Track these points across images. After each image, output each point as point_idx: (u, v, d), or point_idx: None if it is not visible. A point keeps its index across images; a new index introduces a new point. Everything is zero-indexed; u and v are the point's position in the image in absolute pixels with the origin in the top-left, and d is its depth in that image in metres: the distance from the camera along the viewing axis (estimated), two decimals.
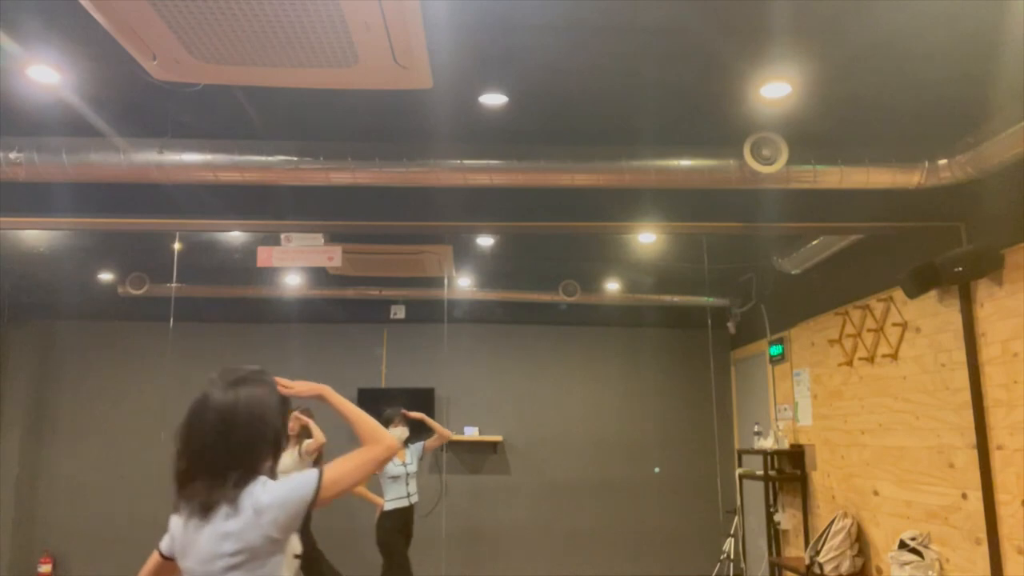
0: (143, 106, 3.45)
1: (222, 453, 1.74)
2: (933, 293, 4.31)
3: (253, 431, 1.79)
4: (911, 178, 3.77)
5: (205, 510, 1.69)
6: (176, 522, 1.78)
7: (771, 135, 3.62)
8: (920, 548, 4.26)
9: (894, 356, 4.73)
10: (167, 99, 3.31)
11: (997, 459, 3.82)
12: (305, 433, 5.85)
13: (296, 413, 5.87)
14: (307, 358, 7.68)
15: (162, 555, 1.86)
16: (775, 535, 6.25)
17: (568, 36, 2.86)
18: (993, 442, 3.85)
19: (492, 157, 3.72)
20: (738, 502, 6.95)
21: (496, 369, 7.81)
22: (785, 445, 6.12)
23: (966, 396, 4.01)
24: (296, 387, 1.96)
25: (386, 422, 5.61)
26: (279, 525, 1.70)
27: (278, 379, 1.92)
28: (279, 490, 1.74)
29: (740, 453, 7.14)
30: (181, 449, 1.77)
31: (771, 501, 6.24)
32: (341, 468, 1.83)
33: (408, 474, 5.70)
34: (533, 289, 7.00)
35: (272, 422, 1.83)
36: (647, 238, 5.52)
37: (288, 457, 5.78)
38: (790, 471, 6.11)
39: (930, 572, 4.20)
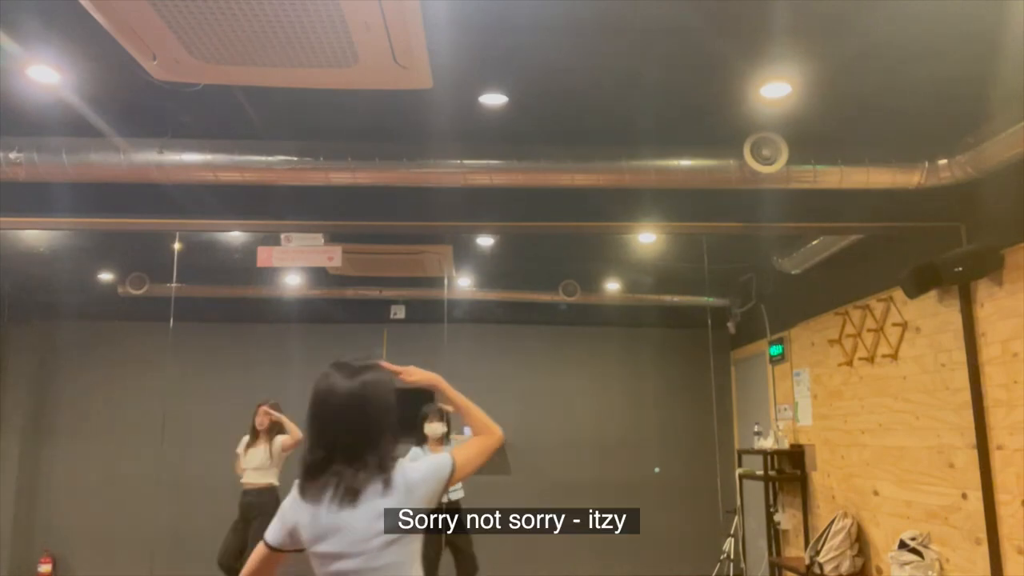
0: (143, 106, 3.45)
1: (361, 437, 1.81)
2: (933, 293, 4.31)
3: (385, 414, 1.86)
4: (911, 178, 3.77)
5: (354, 493, 1.75)
6: (303, 511, 1.80)
7: (771, 135, 3.62)
8: (920, 548, 4.26)
9: (894, 356, 4.73)
10: (167, 99, 3.30)
11: (997, 459, 3.82)
12: (276, 429, 5.83)
13: (264, 408, 5.84)
14: (307, 358, 7.66)
15: (272, 548, 1.86)
16: (775, 535, 6.25)
17: (568, 36, 2.86)
18: (993, 442, 3.85)
19: (492, 157, 3.72)
20: (738, 502, 6.95)
21: (496, 369, 7.80)
22: (785, 445, 6.12)
23: (966, 396, 4.00)
24: (415, 375, 2.04)
25: (422, 418, 5.60)
26: (427, 500, 1.81)
27: (390, 365, 1.98)
28: (424, 468, 1.85)
29: (740, 453, 7.14)
30: (315, 439, 1.83)
31: (771, 501, 6.24)
32: (467, 453, 1.94)
33: None
34: (533, 289, 6.99)
35: (395, 405, 1.90)
36: (647, 238, 5.52)
37: (262, 454, 5.75)
38: (790, 471, 6.11)
39: (930, 572, 4.20)
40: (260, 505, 5.67)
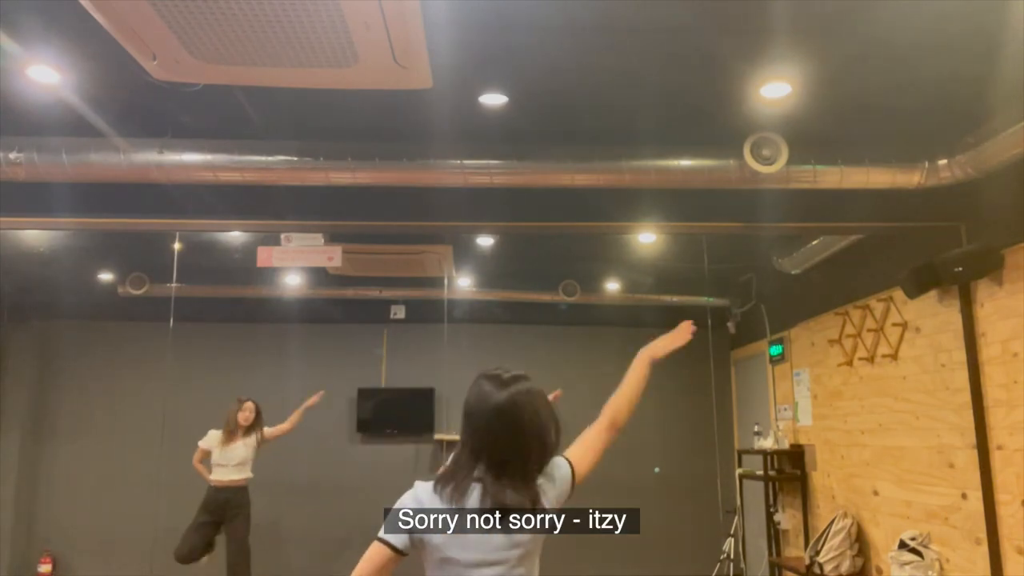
0: (143, 106, 3.45)
1: (516, 451, 1.77)
2: (933, 293, 4.30)
3: (540, 427, 1.82)
4: (911, 178, 3.77)
5: (503, 507, 1.73)
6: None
7: (771, 135, 3.62)
8: (920, 548, 4.26)
9: (894, 356, 4.73)
10: (167, 99, 3.30)
11: (997, 459, 3.82)
12: (257, 423, 5.78)
13: (249, 403, 5.81)
14: (307, 358, 7.68)
15: (401, 552, 1.74)
16: (775, 535, 6.25)
17: (568, 36, 2.86)
18: (993, 442, 3.85)
19: (492, 157, 3.72)
20: (738, 502, 6.95)
21: None
22: (785, 445, 6.12)
23: (966, 396, 4.00)
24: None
25: None
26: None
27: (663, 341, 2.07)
28: (558, 483, 1.84)
29: (740, 453, 7.14)
30: (470, 447, 1.79)
31: (771, 501, 6.24)
32: (579, 451, 1.93)
33: None
34: (533, 289, 6.99)
35: (551, 417, 1.87)
36: (647, 238, 5.52)
37: (243, 450, 5.70)
38: (790, 471, 6.11)
39: (930, 572, 4.20)
40: (239, 502, 5.62)
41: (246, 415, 5.76)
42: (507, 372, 1.86)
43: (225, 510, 5.62)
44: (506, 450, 1.77)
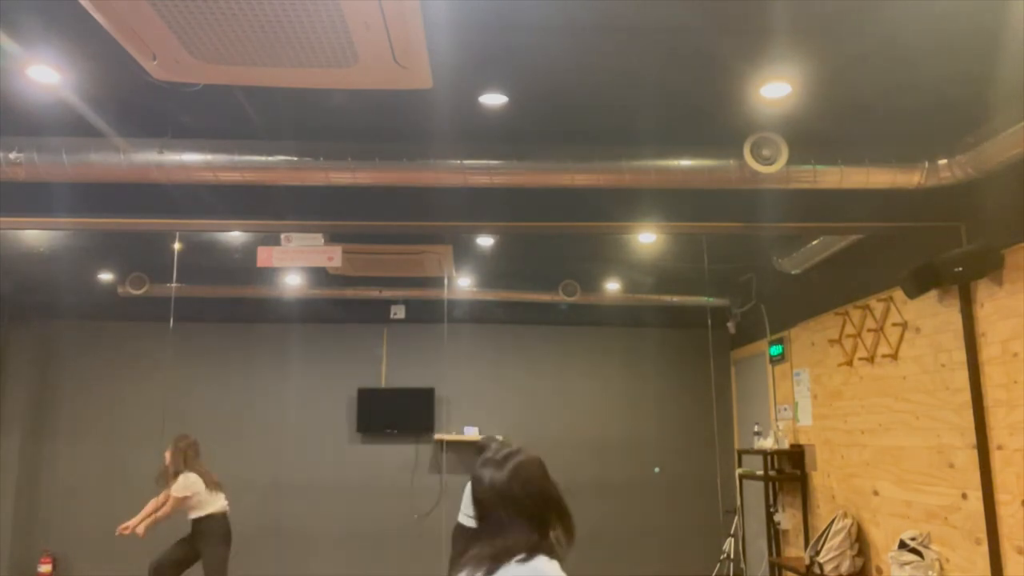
0: (143, 106, 3.45)
1: (500, 528, 1.78)
2: (933, 293, 4.31)
3: (534, 500, 1.81)
4: (911, 178, 3.77)
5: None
6: None
7: (771, 135, 3.62)
8: (920, 548, 4.26)
9: (894, 356, 4.73)
10: (167, 99, 3.31)
11: (997, 459, 3.83)
12: (175, 466, 5.40)
13: (189, 441, 5.48)
14: (307, 358, 7.68)
15: None
16: (775, 535, 6.25)
17: (568, 36, 2.86)
18: (993, 442, 3.85)
19: (492, 157, 3.72)
20: (738, 502, 6.95)
21: (496, 369, 7.80)
22: (785, 445, 6.12)
23: (966, 396, 4.01)
24: None
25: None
26: None
27: None
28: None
29: (740, 453, 7.14)
30: (486, 529, 1.80)
31: (771, 501, 6.24)
32: None
33: None
34: (533, 289, 6.99)
35: (544, 492, 1.85)
36: (647, 238, 5.52)
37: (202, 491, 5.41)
38: (790, 471, 6.11)
39: (930, 572, 4.20)
40: (209, 531, 5.42)
41: (165, 455, 5.49)
42: (500, 451, 1.90)
43: (195, 540, 5.45)
44: (510, 527, 1.76)
